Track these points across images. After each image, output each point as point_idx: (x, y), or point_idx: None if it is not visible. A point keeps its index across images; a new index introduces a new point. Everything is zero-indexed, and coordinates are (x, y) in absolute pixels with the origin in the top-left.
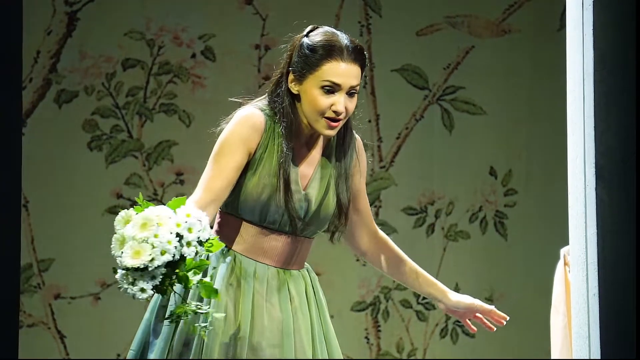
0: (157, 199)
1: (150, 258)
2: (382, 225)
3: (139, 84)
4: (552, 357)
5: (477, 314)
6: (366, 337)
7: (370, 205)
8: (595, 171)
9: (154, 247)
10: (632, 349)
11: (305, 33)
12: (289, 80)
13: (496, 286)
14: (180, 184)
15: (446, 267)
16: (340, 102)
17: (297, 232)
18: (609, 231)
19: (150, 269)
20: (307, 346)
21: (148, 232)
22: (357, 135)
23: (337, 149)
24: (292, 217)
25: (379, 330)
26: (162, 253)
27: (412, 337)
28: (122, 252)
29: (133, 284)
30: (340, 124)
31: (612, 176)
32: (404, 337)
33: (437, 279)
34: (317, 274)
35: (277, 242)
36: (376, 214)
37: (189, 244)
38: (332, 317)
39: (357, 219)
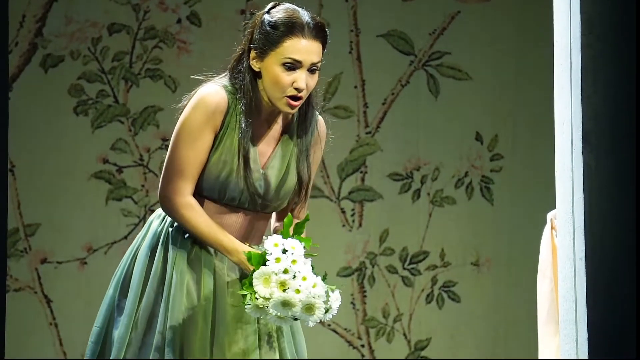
0: (142, 164)
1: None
2: (368, 191)
3: (124, 48)
4: (539, 321)
5: None
6: (352, 303)
7: (356, 171)
8: (582, 135)
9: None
10: (618, 312)
11: (266, 10)
12: (251, 57)
13: (482, 251)
14: (165, 149)
15: (432, 233)
16: (302, 79)
17: (257, 209)
18: (595, 195)
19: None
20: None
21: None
22: (320, 117)
23: (299, 125)
24: (252, 194)
25: (365, 296)
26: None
27: (398, 303)
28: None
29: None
30: (301, 101)
31: (598, 141)
32: (389, 303)
33: (423, 244)
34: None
35: (238, 218)
36: (362, 180)
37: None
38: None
39: (294, 203)
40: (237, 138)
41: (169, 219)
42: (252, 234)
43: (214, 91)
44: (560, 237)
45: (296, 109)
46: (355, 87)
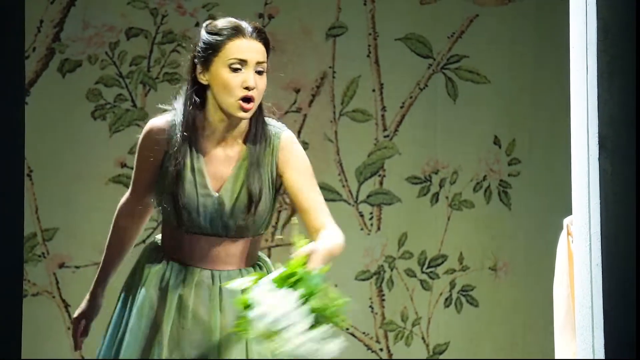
0: None
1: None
2: (386, 194)
3: (142, 53)
4: (555, 327)
5: None
6: (370, 307)
7: (375, 175)
8: (599, 141)
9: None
10: (635, 318)
11: (203, 25)
12: (197, 72)
13: (500, 256)
14: None
15: (450, 237)
16: (250, 77)
17: (222, 234)
18: (611, 201)
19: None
20: (234, 345)
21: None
22: (287, 132)
23: (248, 139)
24: (207, 219)
25: (383, 300)
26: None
27: (417, 306)
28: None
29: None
30: (254, 105)
31: (615, 146)
32: (408, 306)
33: (441, 247)
34: None
35: (207, 244)
36: (380, 183)
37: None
38: (335, 286)
39: (305, 218)
40: (177, 168)
41: (151, 245)
42: (227, 260)
43: (151, 127)
44: (576, 243)
45: (249, 114)
46: (374, 90)
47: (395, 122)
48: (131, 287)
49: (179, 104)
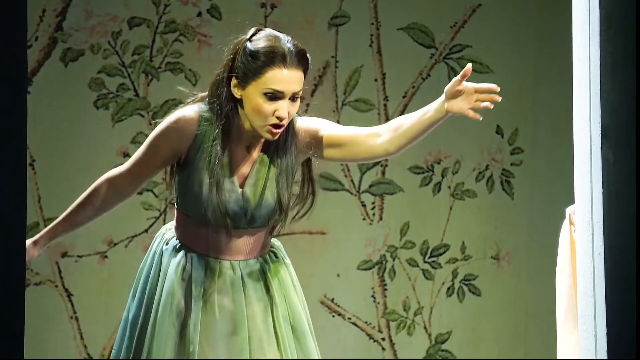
0: None
1: None
2: (388, 184)
3: (145, 42)
4: (557, 316)
5: (475, 101)
6: (372, 296)
7: (377, 165)
8: (601, 130)
9: None
10: (637, 307)
11: (248, 37)
12: (232, 85)
13: (502, 245)
14: None
15: (452, 226)
16: (284, 109)
17: (243, 227)
18: (614, 190)
19: None
20: (264, 332)
21: None
22: (298, 119)
23: (279, 148)
24: (231, 214)
25: (385, 289)
26: None
27: (419, 296)
28: None
29: None
30: (283, 128)
31: (617, 135)
32: (410, 296)
33: (443, 237)
34: (323, 234)
35: (226, 237)
36: (382, 173)
37: None
38: (338, 276)
39: (360, 147)
40: (210, 163)
41: (165, 236)
42: (244, 250)
43: (183, 115)
44: (578, 232)
45: (277, 136)
46: (376, 80)
47: (397, 111)
48: (148, 278)
49: (212, 100)
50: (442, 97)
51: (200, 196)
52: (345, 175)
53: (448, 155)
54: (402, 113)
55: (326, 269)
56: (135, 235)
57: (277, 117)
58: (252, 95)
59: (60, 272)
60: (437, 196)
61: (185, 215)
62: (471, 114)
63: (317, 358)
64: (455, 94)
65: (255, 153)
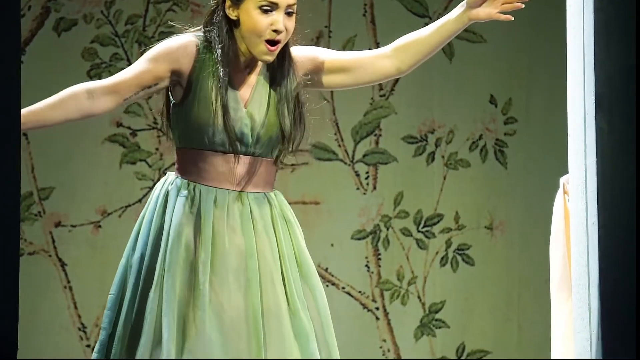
0: (156, 127)
1: None
2: (382, 154)
3: (138, 12)
4: (551, 285)
5: (502, 4)
6: (366, 266)
7: (371, 134)
8: (595, 99)
9: None
10: (631, 276)
11: None
12: (226, 7)
13: (496, 214)
14: None
15: (446, 196)
16: (279, 21)
17: (249, 152)
18: (608, 160)
19: None
20: (273, 266)
21: None
22: (294, 51)
23: (277, 73)
24: (239, 134)
25: (379, 259)
26: None
27: (412, 266)
28: None
29: None
30: (279, 47)
31: (611, 105)
32: (404, 266)
33: (437, 206)
34: (316, 203)
35: (232, 164)
36: (376, 143)
37: None
38: (332, 245)
39: (367, 70)
40: (214, 86)
41: (169, 178)
42: (252, 180)
43: (182, 36)
44: (572, 201)
45: (273, 57)
46: (370, 49)
47: (391, 81)
48: (151, 221)
49: (209, 29)
50: (460, 8)
51: (208, 122)
52: (339, 145)
53: (442, 124)
54: (395, 83)
55: (320, 238)
56: (129, 205)
57: (274, 31)
58: (247, 11)
59: (54, 241)
60: (431, 166)
61: (190, 149)
62: (502, 17)
63: (322, 295)
64: (479, 1)
65: (254, 76)
